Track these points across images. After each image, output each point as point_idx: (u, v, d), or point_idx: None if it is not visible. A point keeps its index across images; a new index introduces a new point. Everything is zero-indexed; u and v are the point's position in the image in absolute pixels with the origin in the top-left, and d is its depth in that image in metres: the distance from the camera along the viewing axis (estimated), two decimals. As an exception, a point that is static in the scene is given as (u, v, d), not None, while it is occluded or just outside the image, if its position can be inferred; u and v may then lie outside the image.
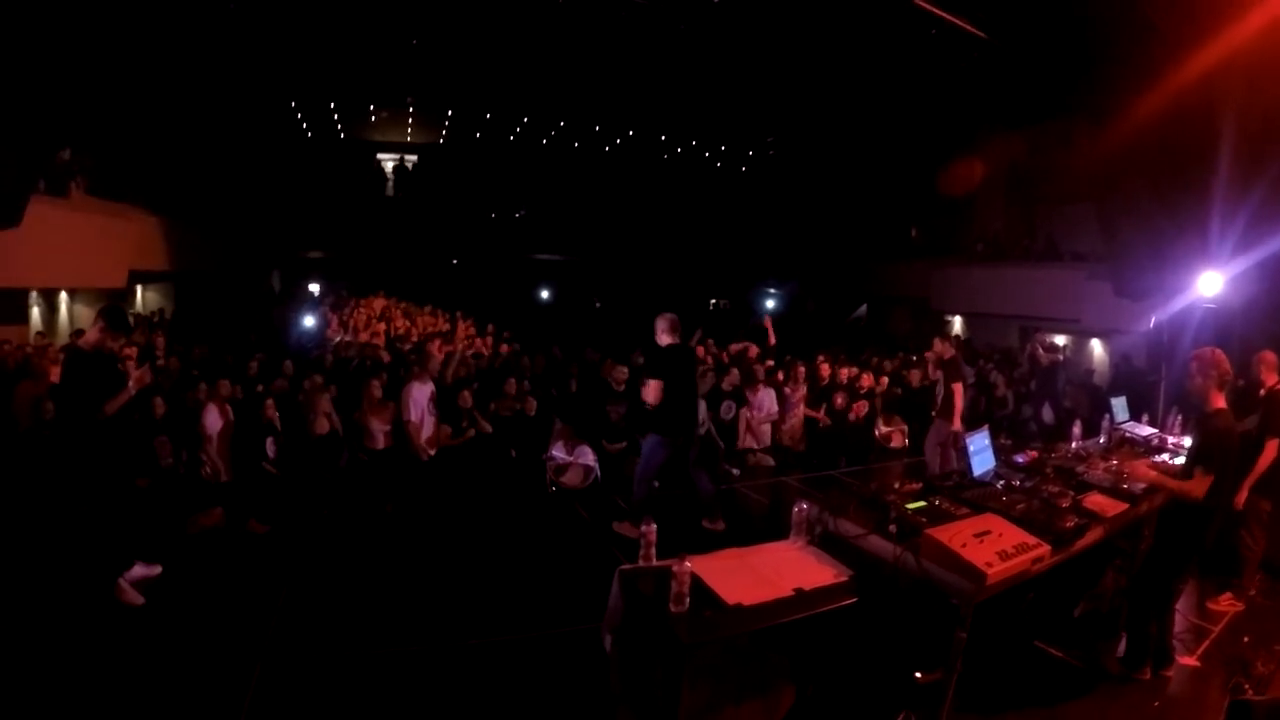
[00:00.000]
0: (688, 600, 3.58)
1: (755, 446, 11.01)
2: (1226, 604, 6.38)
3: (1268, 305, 10.85)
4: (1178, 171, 11.50)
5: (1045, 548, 4.05)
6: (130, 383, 5.93)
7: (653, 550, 4.06)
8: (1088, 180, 15.36)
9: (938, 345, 9.71)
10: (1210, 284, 9.93)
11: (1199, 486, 4.74)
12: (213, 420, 8.42)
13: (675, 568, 3.58)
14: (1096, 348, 18.46)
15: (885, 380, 12.67)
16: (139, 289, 20.89)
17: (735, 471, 10.37)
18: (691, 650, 3.48)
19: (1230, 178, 10.58)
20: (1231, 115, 10.41)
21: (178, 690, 4.77)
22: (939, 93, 18.38)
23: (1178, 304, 11.39)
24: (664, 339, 7.49)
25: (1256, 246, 10.40)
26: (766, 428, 11.15)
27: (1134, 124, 11.41)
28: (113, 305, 6.18)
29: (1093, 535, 4.54)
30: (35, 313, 15.44)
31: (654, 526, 4.08)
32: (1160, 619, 5.13)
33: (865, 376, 12.38)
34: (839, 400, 11.57)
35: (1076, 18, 11.76)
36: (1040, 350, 11.94)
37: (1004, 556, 3.79)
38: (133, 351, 10.21)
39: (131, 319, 18.34)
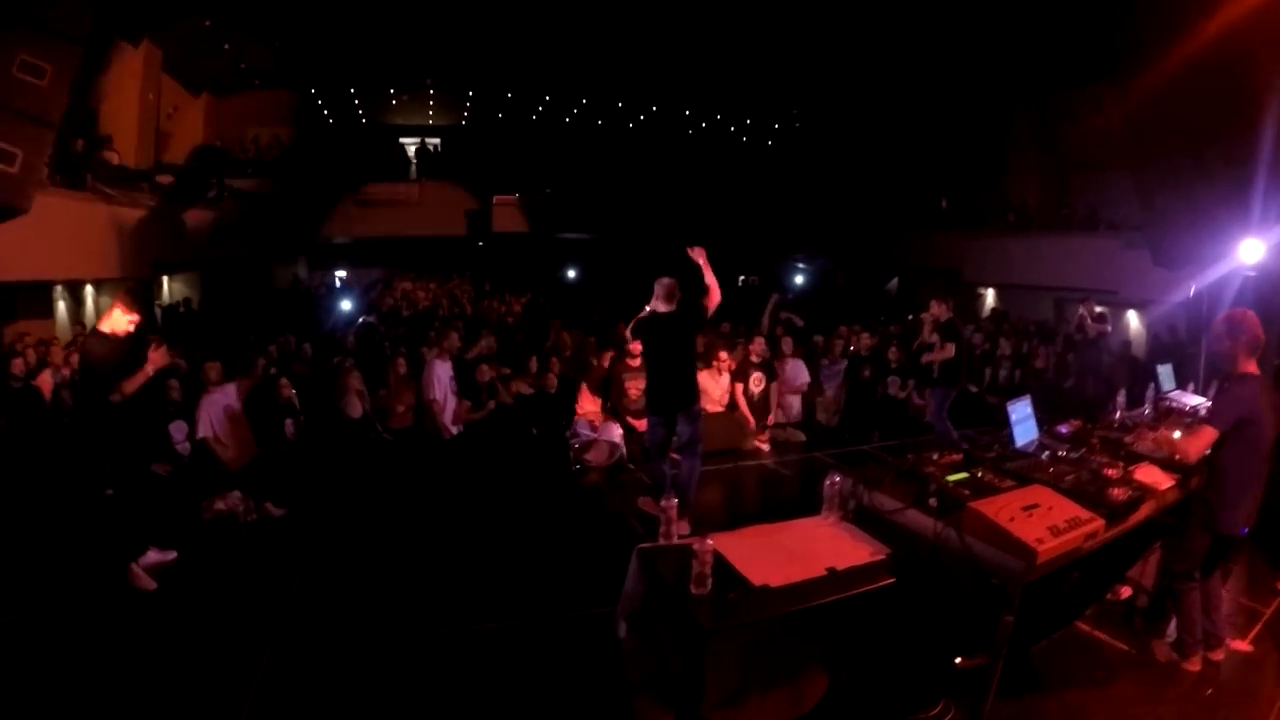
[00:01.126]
0: (710, 582, 3.31)
1: (785, 420, 10.73)
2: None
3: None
4: (1217, 135, 11.17)
5: (1099, 522, 3.73)
6: (148, 364, 5.78)
7: (673, 527, 3.80)
8: (1123, 147, 14.96)
9: (934, 307, 9.47)
10: (1252, 251, 9.51)
11: (1193, 444, 4.45)
12: (213, 407, 8.19)
13: (697, 546, 3.31)
14: (1133, 319, 18.01)
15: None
16: (165, 279, 20.94)
17: (765, 447, 10.09)
18: (714, 636, 3.22)
19: (1274, 140, 10.21)
20: (1273, 74, 10.03)
21: (183, 676, 4.65)
22: (970, 59, 18.02)
23: (1217, 272, 10.98)
24: (658, 306, 6.86)
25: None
26: (796, 401, 10.88)
27: (1171, 86, 11.09)
28: (131, 287, 6.06)
29: (1146, 509, 4.21)
30: (61, 307, 15.48)
31: (675, 501, 3.83)
32: (1205, 597, 4.79)
33: (893, 349, 12.06)
34: (865, 373, 11.25)
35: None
36: (1089, 320, 11.58)
37: (1055, 532, 3.47)
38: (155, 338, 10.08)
39: (158, 309, 18.70)
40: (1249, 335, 4.51)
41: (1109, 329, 11.87)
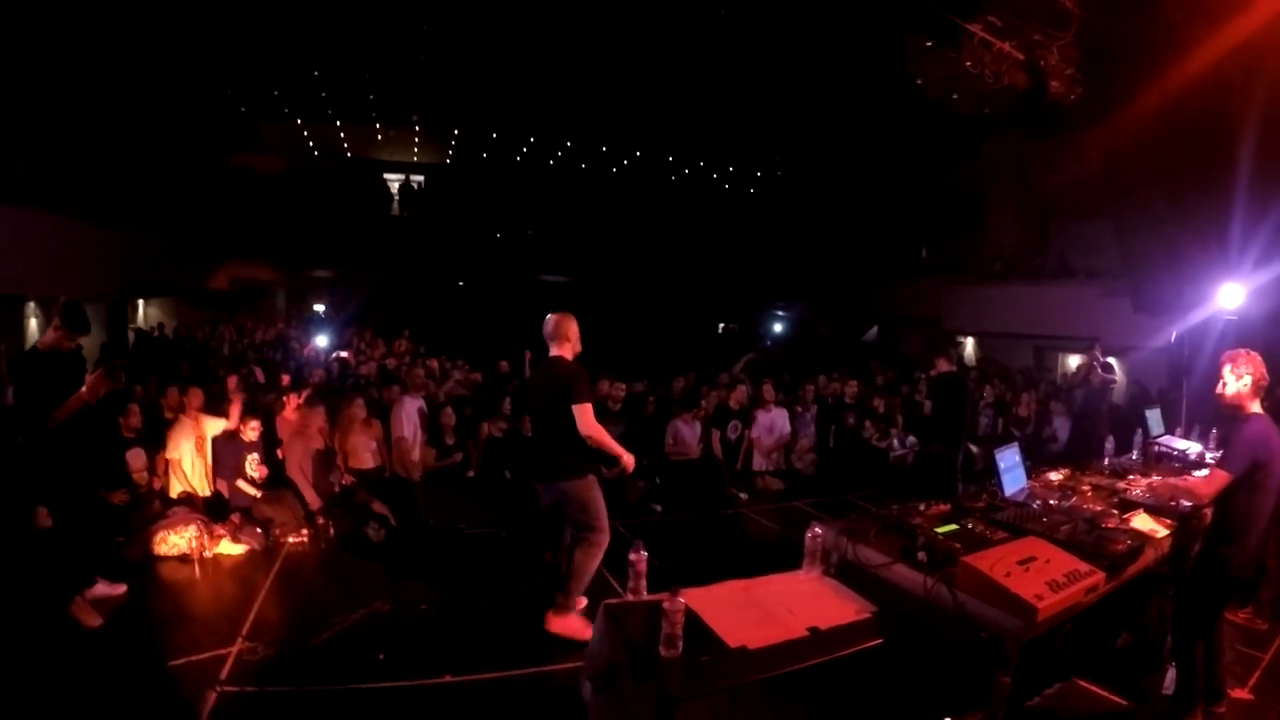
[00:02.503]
0: (681, 643, 3.06)
1: (765, 469, 10.51)
2: (1244, 619, 5.99)
3: (1293, 318, 10.47)
4: (1196, 180, 11.18)
5: (1099, 575, 3.54)
6: (84, 390, 5.43)
7: (643, 582, 3.55)
8: (1102, 194, 15.01)
9: (940, 362, 9.25)
10: (1231, 296, 9.46)
11: (1207, 485, 4.27)
12: (193, 433, 7.97)
13: (667, 604, 3.05)
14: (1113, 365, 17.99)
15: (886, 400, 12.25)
16: (140, 303, 20.74)
17: (743, 496, 9.85)
18: (684, 704, 2.95)
19: (1251, 185, 10.23)
20: (1251, 120, 10.08)
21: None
22: (947, 109, 18.13)
23: (1198, 317, 10.94)
24: (550, 348, 5.68)
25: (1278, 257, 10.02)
26: (776, 449, 10.66)
27: (1149, 131, 11.11)
28: (71, 302, 5.75)
29: (1146, 558, 4.04)
30: (34, 324, 15.32)
31: (644, 554, 3.57)
32: (1208, 648, 4.60)
33: (876, 398, 11.92)
34: (849, 420, 11.08)
35: (1089, 20, 11.46)
36: (1098, 369, 11.53)
37: (1055, 587, 3.27)
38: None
39: (131, 332, 18.44)
40: (1256, 376, 4.39)
41: (1115, 380, 11.76)
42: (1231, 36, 9.42)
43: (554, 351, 5.57)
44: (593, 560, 5.54)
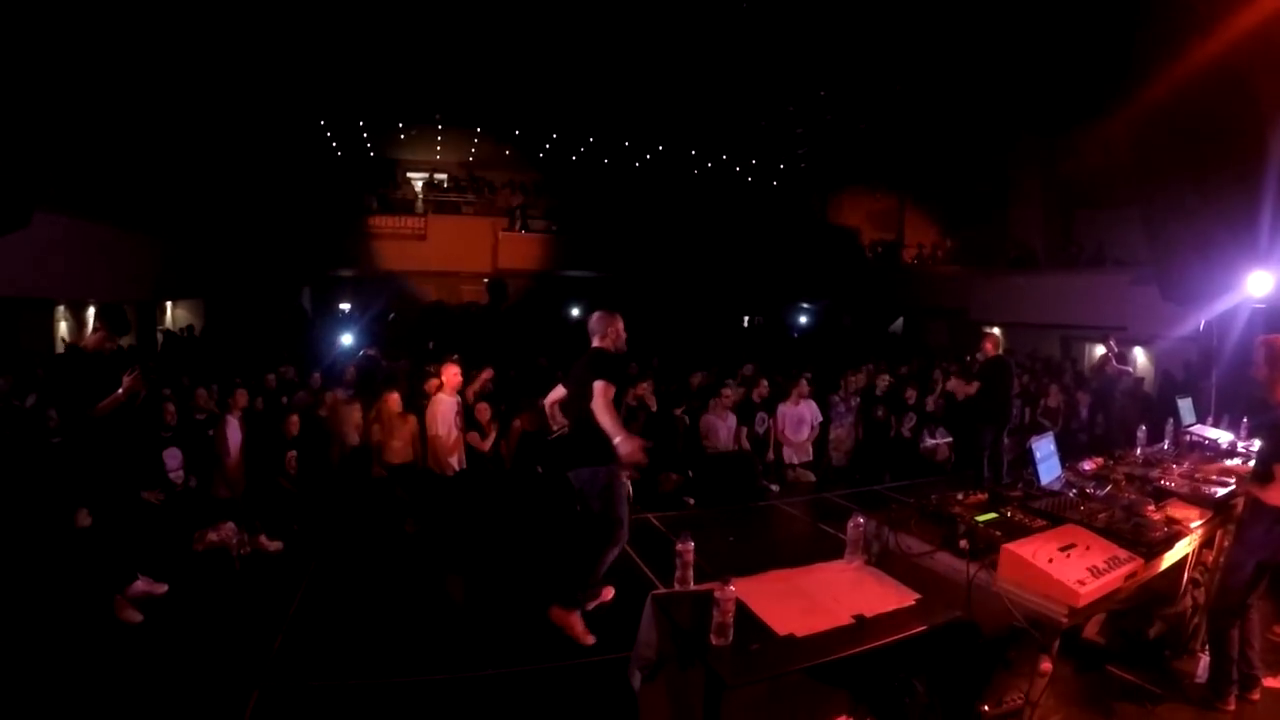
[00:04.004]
0: (732, 632, 3.11)
1: (795, 461, 10.56)
2: None
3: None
4: (1223, 167, 11.09)
5: (1137, 561, 3.58)
6: (121, 389, 5.61)
7: (690, 572, 3.61)
8: (1128, 183, 14.94)
9: (987, 346, 9.58)
10: (1260, 283, 9.42)
11: (1277, 488, 4.25)
12: (233, 434, 8.16)
13: (718, 593, 3.09)
14: (1140, 355, 17.90)
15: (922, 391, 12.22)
16: (169, 305, 20.97)
17: (774, 487, 9.91)
18: (731, 691, 3.00)
19: (1278, 169, 10.19)
20: (1278, 105, 10.02)
21: (167, 716, 4.47)
22: (974, 99, 18.08)
23: (1226, 305, 10.90)
24: (594, 341, 5.71)
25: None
26: (807, 442, 10.70)
27: (1177, 118, 11.04)
28: (111, 305, 5.90)
29: (1181, 546, 4.07)
30: (63, 327, 15.60)
31: (691, 545, 3.64)
32: (1242, 633, 4.62)
33: (908, 389, 11.92)
34: (879, 412, 11.09)
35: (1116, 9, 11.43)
36: (1112, 360, 11.49)
37: (1096, 573, 3.31)
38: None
39: (160, 334, 18.70)
40: None
41: (1130, 369, 11.75)
42: (1256, 21, 9.38)
43: (596, 344, 5.59)
44: (608, 554, 5.53)
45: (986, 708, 3.63)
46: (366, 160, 27.19)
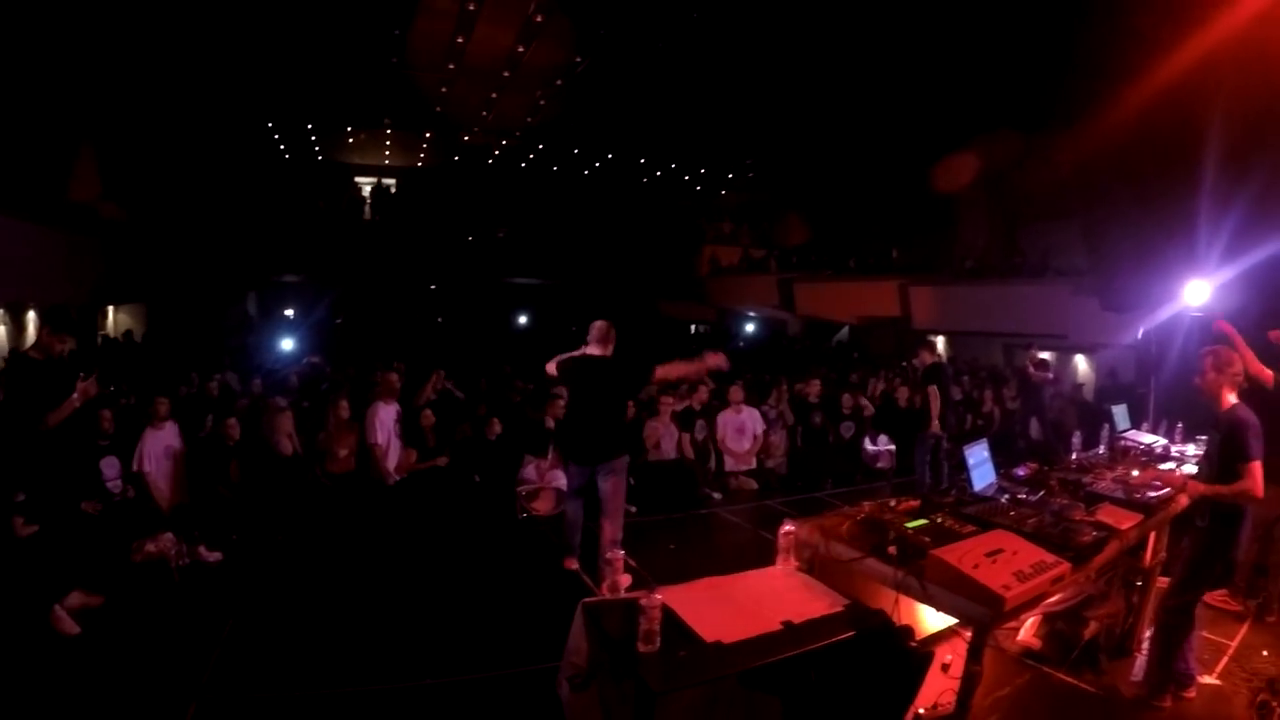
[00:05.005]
0: (659, 639, 3.10)
1: (738, 469, 10.56)
2: (1220, 601, 6.16)
3: (1257, 313, 10.58)
4: (1162, 179, 11.33)
5: (1064, 565, 3.63)
6: (75, 395, 5.50)
7: (620, 579, 3.60)
8: (1071, 194, 15.20)
9: (924, 354, 9.91)
10: (1197, 293, 9.62)
11: (1253, 482, 4.37)
12: (154, 444, 7.89)
13: (644, 600, 3.09)
14: (1081, 363, 18.20)
15: (866, 402, 12.33)
16: (110, 310, 20.54)
17: (717, 496, 9.92)
18: (663, 698, 2.99)
19: (1215, 184, 10.40)
20: (1215, 120, 10.24)
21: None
22: (918, 111, 18.30)
23: (1165, 314, 11.09)
24: (592, 348, 6.54)
25: (1243, 253, 10.16)
26: (747, 449, 10.70)
27: (1117, 131, 11.25)
28: (55, 306, 5.75)
29: (1111, 549, 4.13)
30: (1, 331, 15.23)
31: (621, 553, 3.63)
32: (1187, 638, 4.74)
33: (845, 395, 12.01)
34: (817, 419, 11.16)
35: (1058, 26, 11.62)
36: (1031, 367, 11.68)
37: (1021, 577, 3.35)
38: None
39: (100, 339, 18.27)
40: (1233, 370, 4.64)
41: (1050, 376, 11.95)
42: (1197, 45, 9.58)
43: (602, 351, 6.52)
44: (619, 533, 6.30)
45: (921, 711, 3.65)
46: (314, 164, 26.84)
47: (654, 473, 9.61)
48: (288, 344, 15.87)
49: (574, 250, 26.13)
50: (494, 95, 20.43)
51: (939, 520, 4.04)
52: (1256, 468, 4.37)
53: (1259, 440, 4.45)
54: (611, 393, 6.51)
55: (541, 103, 20.98)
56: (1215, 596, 6.06)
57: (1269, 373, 5.75)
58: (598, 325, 6.58)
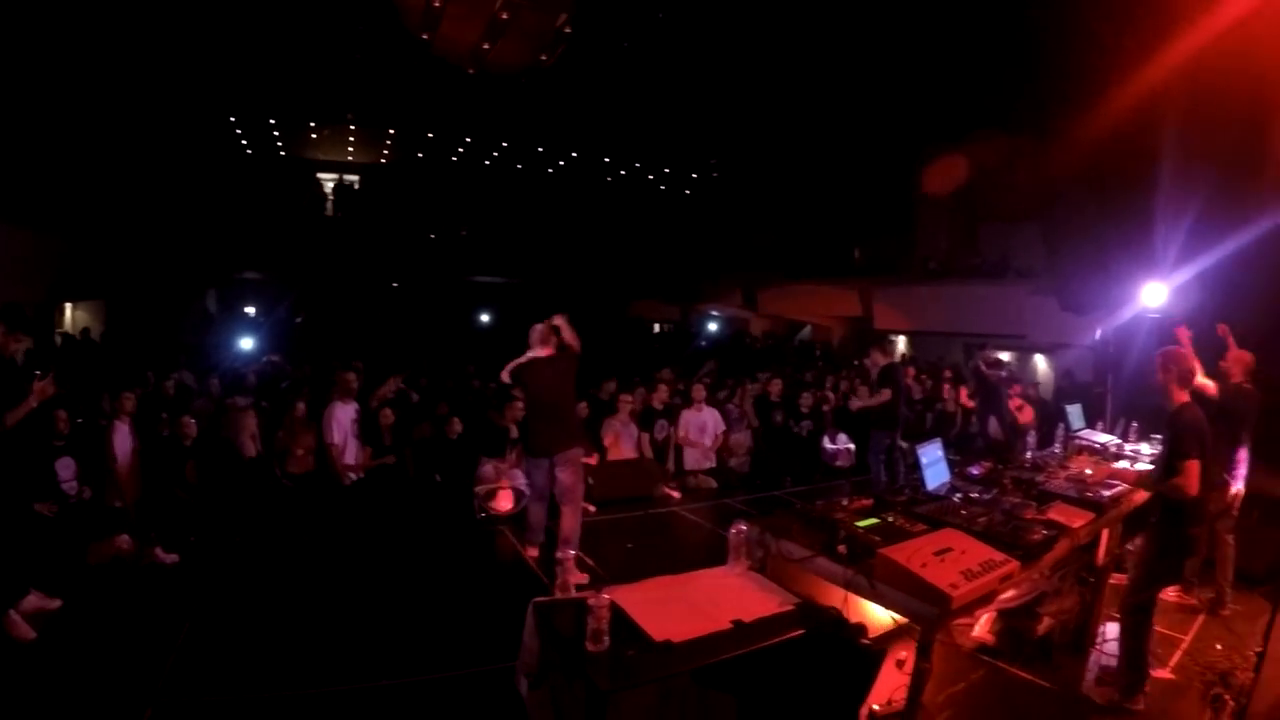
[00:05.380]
0: (607, 638, 3.11)
1: (698, 468, 10.57)
2: (1175, 596, 6.30)
3: (1212, 314, 10.77)
4: (1121, 184, 11.46)
5: (1013, 563, 3.66)
6: (32, 394, 5.40)
7: (570, 579, 3.59)
8: (1031, 197, 15.35)
9: (875, 355, 9.92)
10: (1154, 295, 9.77)
11: (1188, 479, 4.47)
12: (122, 440, 7.81)
13: (592, 600, 3.11)
14: (1041, 363, 18.42)
15: (831, 397, 12.38)
16: (68, 307, 20.16)
17: (676, 494, 9.91)
18: (612, 696, 2.99)
19: (1171, 189, 10.54)
20: (1172, 126, 10.38)
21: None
22: (882, 114, 18.42)
23: (1122, 316, 11.25)
24: (537, 350, 6.97)
25: (1198, 256, 10.32)
26: (708, 448, 10.71)
27: (1078, 137, 11.38)
28: (9, 305, 5.62)
29: (1061, 547, 4.18)
30: None
31: (571, 553, 3.63)
32: (1149, 635, 4.83)
33: (805, 394, 12.06)
34: (777, 418, 11.20)
35: (1020, 32, 11.74)
36: (983, 365, 11.78)
37: (969, 576, 3.37)
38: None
39: (58, 337, 17.92)
40: (1180, 369, 4.72)
41: (1004, 374, 12.06)
42: (1155, 57, 9.72)
43: (546, 351, 6.93)
44: (578, 522, 6.86)
45: (876, 707, 3.67)
46: (277, 160, 26.50)
47: (613, 472, 9.61)
48: (246, 342, 15.66)
49: (538, 249, 26.04)
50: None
51: (890, 519, 4.08)
52: (1193, 466, 4.46)
53: (1201, 440, 4.54)
54: (557, 386, 6.93)
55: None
56: (1169, 593, 6.14)
57: (1212, 387, 5.89)
58: (536, 328, 7.02)
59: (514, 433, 9.27)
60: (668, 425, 10.58)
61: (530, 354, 6.95)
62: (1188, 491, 4.48)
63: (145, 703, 4.59)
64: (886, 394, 9.50)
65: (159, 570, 6.87)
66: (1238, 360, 6.51)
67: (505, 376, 7.10)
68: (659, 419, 10.60)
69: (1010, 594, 4.26)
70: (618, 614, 3.24)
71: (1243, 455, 6.26)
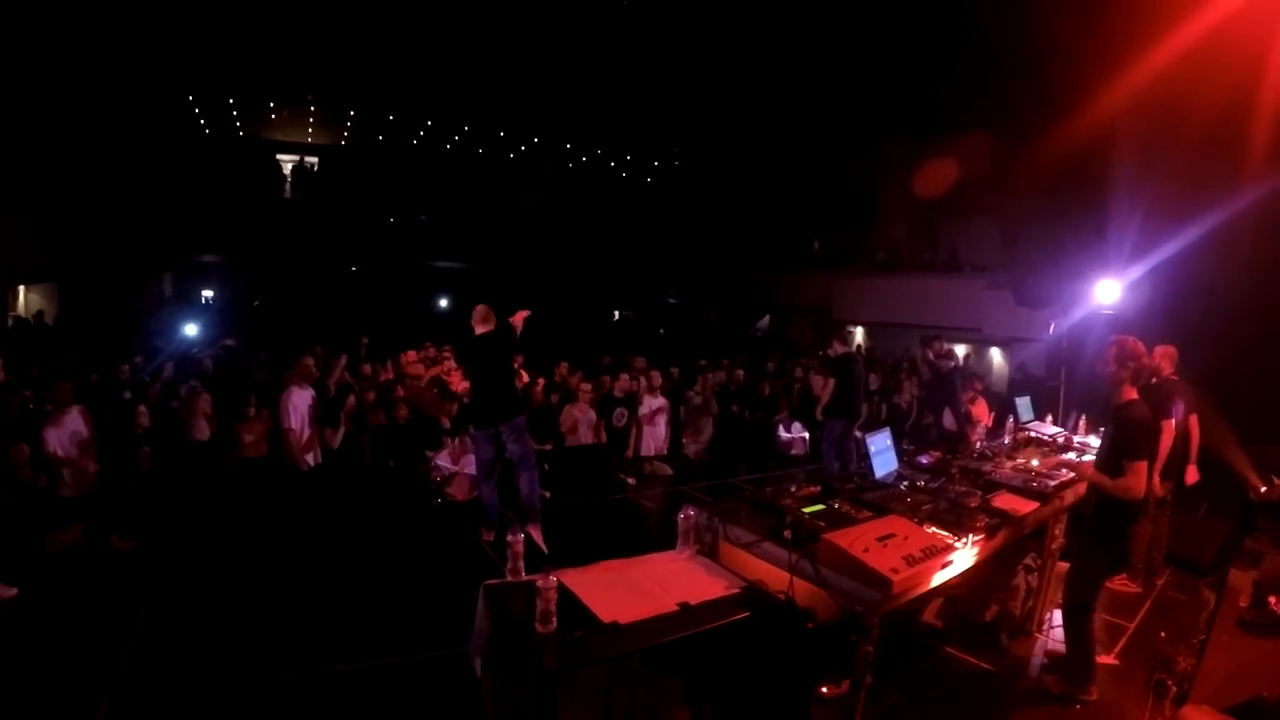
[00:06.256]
0: (555, 619, 3.15)
1: (653, 455, 10.66)
2: (1120, 584, 6.48)
3: (1163, 311, 11.01)
4: (1076, 182, 11.64)
5: (956, 550, 3.76)
6: None
7: (521, 563, 3.63)
8: (990, 193, 15.54)
9: (836, 345, 10.00)
10: (1107, 291, 9.97)
11: (1135, 480, 4.52)
12: (70, 428, 7.59)
13: (540, 582, 3.15)
14: (996, 356, 18.68)
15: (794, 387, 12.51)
16: (21, 290, 19.77)
17: (631, 481, 10.01)
18: (562, 675, 3.05)
19: (1125, 188, 10.73)
20: (1127, 128, 10.59)
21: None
22: (843, 107, 18.57)
23: (1076, 312, 11.44)
24: (476, 328, 7.35)
25: (1149, 254, 10.52)
26: (663, 435, 10.81)
27: (1037, 135, 11.54)
28: None
29: (1004, 536, 4.28)
30: None
31: (521, 536, 3.66)
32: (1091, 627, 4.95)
33: (764, 384, 12.17)
34: (735, 407, 11.30)
35: (981, 36, 11.88)
36: (932, 356, 11.93)
37: (911, 561, 3.46)
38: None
39: (10, 319, 17.57)
40: (1135, 364, 4.71)
41: (953, 364, 12.21)
42: (1115, 59, 9.89)
43: (485, 328, 7.31)
44: (536, 484, 7.46)
45: (825, 690, 3.74)
46: (235, 140, 26.08)
47: (569, 458, 9.66)
48: (194, 328, 15.42)
49: (498, 234, 25.89)
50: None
51: (836, 506, 4.15)
52: (1141, 468, 4.51)
53: (1149, 439, 4.63)
54: (501, 361, 7.42)
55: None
56: (1115, 581, 6.35)
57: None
58: (478, 308, 7.42)
59: (446, 424, 9.44)
60: (627, 413, 10.64)
61: (480, 331, 7.32)
62: (1135, 494, 4.54)
63: (103, 690, 4.61)
64: (831, 383, 9.62)
65: (115, 557, 6.88)
66: (1165, 354, 6.69)
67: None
68: (618, 406, 10.66)
69: (955, 579, 4.36)
70: (566, 596, 3.29)
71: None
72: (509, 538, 3.66)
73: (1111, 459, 4.67)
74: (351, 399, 9.20)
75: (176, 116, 23.19)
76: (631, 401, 10.71)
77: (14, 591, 5.77)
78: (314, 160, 27.67)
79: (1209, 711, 3.90)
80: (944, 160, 18.60)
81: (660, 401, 10.77)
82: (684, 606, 3.44)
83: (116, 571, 6.63)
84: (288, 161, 27.47)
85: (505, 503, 7.61)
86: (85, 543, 6.91)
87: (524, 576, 3.60)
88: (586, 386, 10.34)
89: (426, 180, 26.81)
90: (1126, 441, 4.60)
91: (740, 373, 12.16)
